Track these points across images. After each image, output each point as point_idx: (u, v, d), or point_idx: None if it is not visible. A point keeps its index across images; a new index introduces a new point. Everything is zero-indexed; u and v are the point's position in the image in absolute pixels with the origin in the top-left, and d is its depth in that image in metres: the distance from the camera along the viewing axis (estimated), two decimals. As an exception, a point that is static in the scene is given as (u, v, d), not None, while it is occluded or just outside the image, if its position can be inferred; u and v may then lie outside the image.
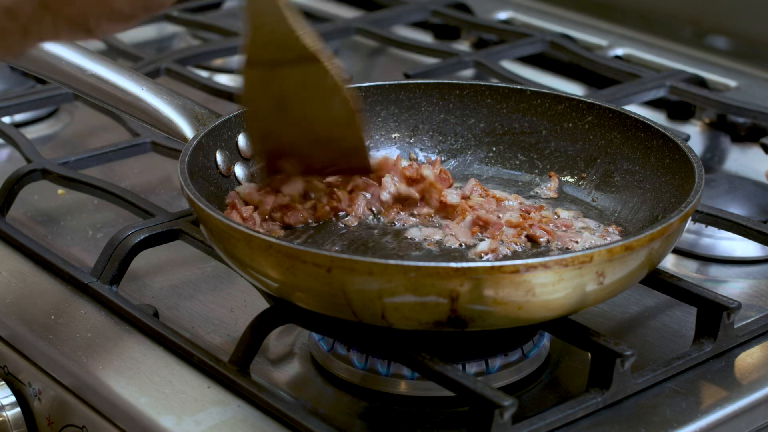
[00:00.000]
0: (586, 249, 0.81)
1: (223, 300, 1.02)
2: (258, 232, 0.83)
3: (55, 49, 1.00)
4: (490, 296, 0.79)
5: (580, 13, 1.60)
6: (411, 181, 0.98)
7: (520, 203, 0.99)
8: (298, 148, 0.96)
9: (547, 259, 0.79)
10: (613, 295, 0.86)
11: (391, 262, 0.78)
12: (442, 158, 1.07)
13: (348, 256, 0.79)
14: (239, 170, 1.00)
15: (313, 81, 0.91)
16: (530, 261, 0.79)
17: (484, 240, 0.93)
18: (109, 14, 0.76)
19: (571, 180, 1.03)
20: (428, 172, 0.97)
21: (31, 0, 0.74)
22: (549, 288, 0.80)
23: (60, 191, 1.19)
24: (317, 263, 0.80)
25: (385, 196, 0.97)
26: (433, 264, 0.79)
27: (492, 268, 0.78)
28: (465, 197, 0.98)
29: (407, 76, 1.33)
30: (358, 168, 0.98)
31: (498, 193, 1.00)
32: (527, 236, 0.93)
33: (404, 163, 1.00)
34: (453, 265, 0.78)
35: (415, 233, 0.95)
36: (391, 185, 0.97)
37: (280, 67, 0.91)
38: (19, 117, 1.34)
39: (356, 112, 0.94)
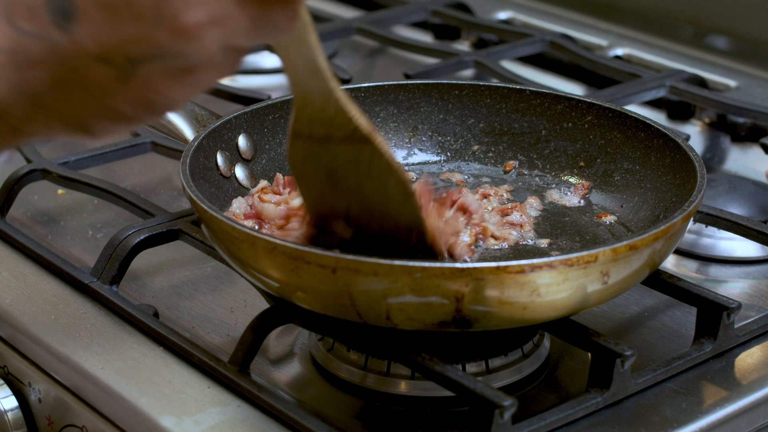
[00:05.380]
0: (591, 249, 0.81)
1: (223, 300, 1.02)
2: (262, 233, 0.83)
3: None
4: (495, 296, 0.79)
5: (580, 13, 1.60)
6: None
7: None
8: (353, 213, 0.89)
9: (552, 258, 0.79)
10: (617, 294, 0.86)
11: (397, 262, 0.78)
12: (442, 158, 1.07)
13: (353, 256, 0.79)
14: (240, 171, 1.00)
15: (364, 160, 0.85)
16: (535, 261, 0.79)
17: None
18: (108, 115, 0.68)
19: (572, 180, 1.04)
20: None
21: (20, 99, 0.67)
22: (554, 288, 0.80)
23: (60, 191, 1.19)
24: (322, 264, 0.80)
25: None
26: (438, 264, 0.79)
27: (497, 268, 0.78)
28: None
29: (407, 76, 1.33)
30: (420, 248, 0.89)
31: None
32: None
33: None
34: (458, 265, 0.78)
35: None
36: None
37: (329, 143, 0.85)
38: (19, 117, 1.34)
39: (412, 195, 0.87)
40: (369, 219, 0.89)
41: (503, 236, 0.95)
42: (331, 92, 0.81)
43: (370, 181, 0.87)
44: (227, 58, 0.68)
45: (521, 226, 0.96)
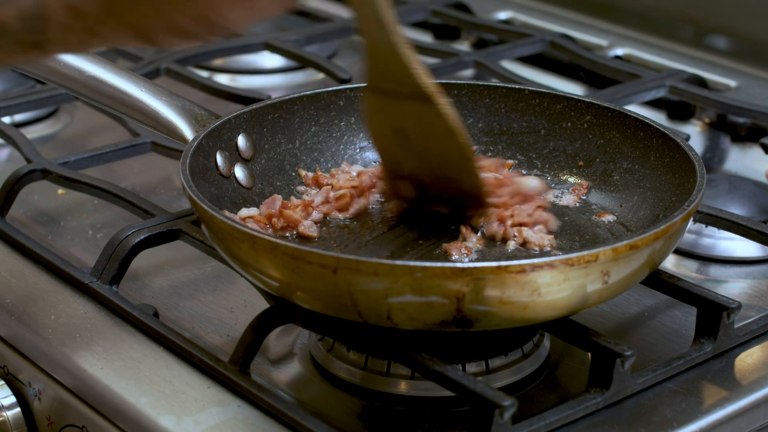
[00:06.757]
0: (591, 249, 0.81)
1: (223, 300, 1.02)
2: (262, 233, 0.83)
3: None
4: (496, 296, 0.79)
5: (580, 13, 1.60)
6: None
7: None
8: (418, 175, 0.94)
9: (553, 258, 0.79)
10: (617, 294, 0.86)
11: (398, 262, 0.79)
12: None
13: (354, 256, 0.79)
14: (239, 171, 1.00)
15: (427, 120, 0.89)
16: (536, 261, 0.79)
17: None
18: (170, 29, 0.76)
19: (571, 179, 1.04)
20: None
21: (97, 4, 0.75)
22: (554, 287, 0.80)
23: (60, 191, 1.19)
24: (323, 264, 0.80)
25: None
26: (439, 264, 0.79)
27: (498, 268, 0.78)
28: None
29: (407, 76, 1.33)
30: (475, 204, 0.94)
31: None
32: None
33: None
34: (459, 265, 0.78)
35: None
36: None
37: (396, 98, 0.89)
38: (19, 117, 1.34)
39: (471, 160, 0.91)
40: (433, 181, 0.93)
41: (539, 243, 0.94)
42: (395, 47, 0.85)
43: (432, 143, 0.90)
44: None
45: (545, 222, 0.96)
